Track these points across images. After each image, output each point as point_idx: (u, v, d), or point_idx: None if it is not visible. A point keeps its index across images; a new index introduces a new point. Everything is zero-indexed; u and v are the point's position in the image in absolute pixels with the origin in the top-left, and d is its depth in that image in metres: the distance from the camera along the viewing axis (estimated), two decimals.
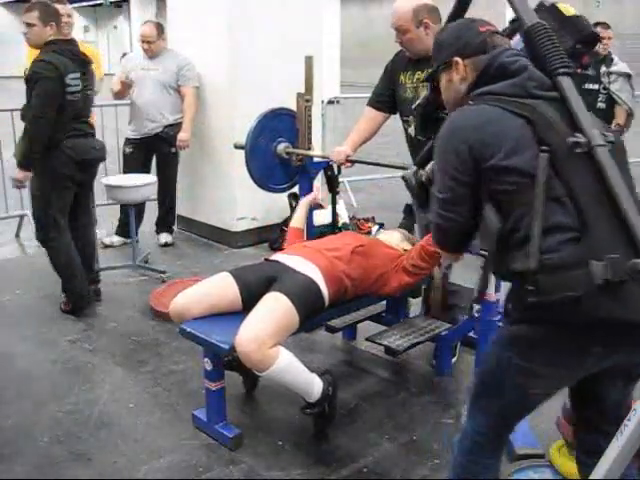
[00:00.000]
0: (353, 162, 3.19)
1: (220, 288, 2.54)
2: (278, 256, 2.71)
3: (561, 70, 1.58)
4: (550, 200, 1.46)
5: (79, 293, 3.72)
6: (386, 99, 3.10)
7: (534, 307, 1.47)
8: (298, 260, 2.59)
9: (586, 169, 1.47)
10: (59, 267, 3.68)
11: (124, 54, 24.65)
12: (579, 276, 1.42)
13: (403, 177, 2.03)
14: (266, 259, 2.76)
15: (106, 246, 4.82)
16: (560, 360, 1.53)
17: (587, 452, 1.72)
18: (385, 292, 2.76)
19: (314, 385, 2.41)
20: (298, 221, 3.12)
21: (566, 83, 1.57)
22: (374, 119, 3.15)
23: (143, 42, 4.71)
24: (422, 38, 2.81)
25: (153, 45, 4.70)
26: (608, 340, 1.47)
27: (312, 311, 2.46)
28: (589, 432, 1.73)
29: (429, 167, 1.96)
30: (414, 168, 2.02)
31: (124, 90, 4.83)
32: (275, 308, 2.34)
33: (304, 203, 3.17)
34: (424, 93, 2.87)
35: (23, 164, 3.48)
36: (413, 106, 1.93)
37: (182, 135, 4.71)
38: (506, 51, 1.65)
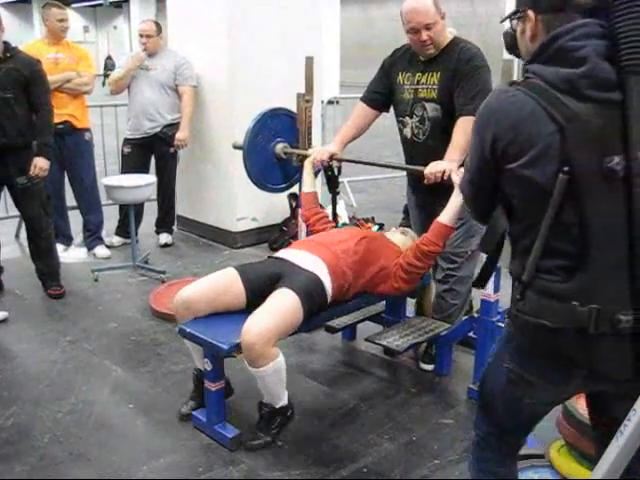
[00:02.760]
0: (339, 161, 3.15)
1: (225, 282, 2.54)
2: (283, 253, 2.71)
3: (636, 68, 1.24)
4: (559, 224, 1.32)
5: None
6: (380, 96, 3.00)
7: (517, 318, 1.43)
8: (303, 255, 2.60)
9: (614, 198, 1.28)
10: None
11: (108, 57, 24.55)
12: (561, 310, 1.33)
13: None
14: (269, 257, 2.76)
15: (106, 246, 4.82)
16: (545, 373, 1.45)
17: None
18: (384, 289, 2.74)
19: (283, 399, 2.47)
20: (309, 185, 3.10)
21: (635, 84, 1.24)
22: (365, 116, 3.05)
23: (142, 36, 4.70)
24: (443, 30, 2.73)
25: (152, 40, 4.69)
26: (588, 377, 1.39)
27: (316, 309, 2.48)
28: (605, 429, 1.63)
29: None
30: None
31: (122, 83, 4.74)
32: (284, 305, 2.36)
33: (308, 166, 3.12)
34: (423, 94, 2.85)
35: (48, 151, 3.66)
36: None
37: (180, 134, 4.71)
38: (576, 30, 1.30)
